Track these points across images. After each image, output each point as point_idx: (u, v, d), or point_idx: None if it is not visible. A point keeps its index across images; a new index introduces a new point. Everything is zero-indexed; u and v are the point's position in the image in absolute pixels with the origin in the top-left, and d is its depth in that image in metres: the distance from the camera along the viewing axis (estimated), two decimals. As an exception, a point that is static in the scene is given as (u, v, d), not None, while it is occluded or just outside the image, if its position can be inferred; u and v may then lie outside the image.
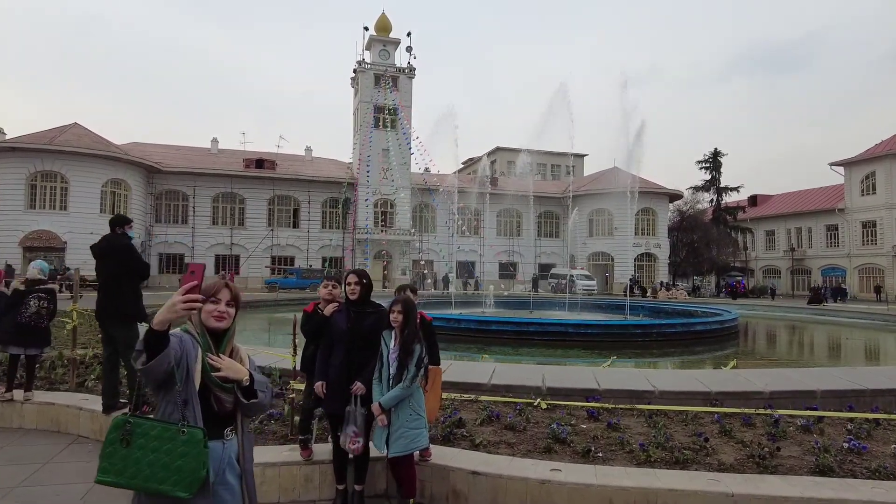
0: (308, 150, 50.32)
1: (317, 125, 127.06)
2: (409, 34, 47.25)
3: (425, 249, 46.63)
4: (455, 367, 7.08)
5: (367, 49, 47.74)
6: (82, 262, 33.58)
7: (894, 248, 42.53)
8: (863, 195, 45.54)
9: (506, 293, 34.55)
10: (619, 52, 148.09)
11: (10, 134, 37.34)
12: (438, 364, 4.45)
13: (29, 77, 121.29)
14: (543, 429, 4.93)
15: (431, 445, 4.40)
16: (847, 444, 4.51)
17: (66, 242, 35.04)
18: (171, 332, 2.45)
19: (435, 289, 41.54)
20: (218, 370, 2.26)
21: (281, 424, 5.03)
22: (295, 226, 45.39)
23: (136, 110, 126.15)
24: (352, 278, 4.04)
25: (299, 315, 4.55)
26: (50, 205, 35.71)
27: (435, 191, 41.90)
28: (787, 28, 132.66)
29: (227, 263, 43.08)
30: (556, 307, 23.78)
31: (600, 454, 4.33)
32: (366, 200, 44.62)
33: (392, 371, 3.71)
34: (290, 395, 4.72)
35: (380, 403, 3.66)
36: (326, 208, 45.91)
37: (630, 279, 41.01)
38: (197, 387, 2.23)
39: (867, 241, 45.41)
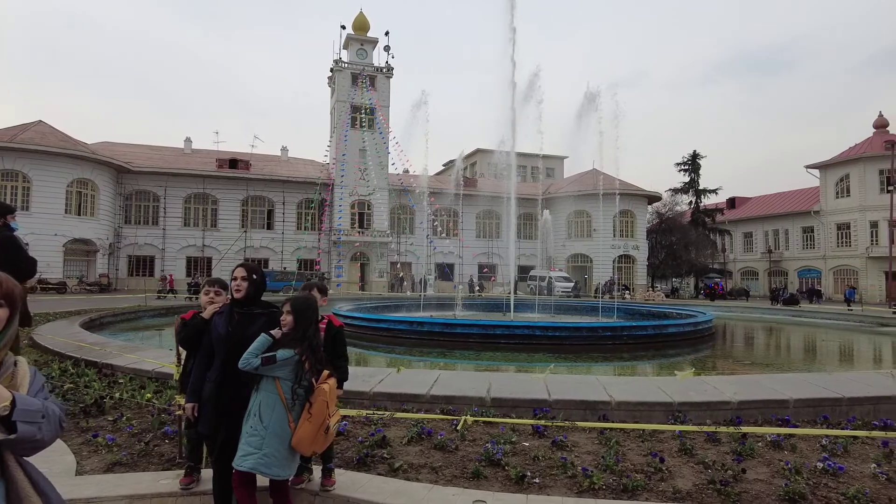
0: (284, 150, 49.37)
1: (297, 125, 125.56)
2: (387, 33, 46.59)
3: (403, 251, 45.94)
4: (393, 377, 6.37)
5: (344, 48, 47.01)
6: (45, 263, 32.64)
7: (867, 249, 42.84)
8: (837, 198, 45.86)
9: (482, 295, 34.00)
10: (609, 55, 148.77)
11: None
12: (343, 380, 3.69)
13: (9, 77, 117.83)
14: (478, 448, 4.29)
15: (340, 470, 3.74)
16: (822, 464, 3.94)
17: (27, 244, 33.59)
18: None
19: (412, 291, 40.81)
20: None
21: (174, 445, 4.33)
22: (269, 227, 44.36)
23: (118, 110, 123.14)
24: (239, 272, 3.37)
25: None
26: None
27: (412, 192, 41.21)
28: (768, 34, 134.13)
29: (199, 265, 41.94)
30: (532, 309, 23.23)
31: (537, 480, 3.70)
32: (340, 201, 43.79)
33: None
34: (178, 413, 4.02)
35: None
36: (302, 209, 44.93)
37: (608, 281, 40.70)
38: None
39: (842, 242, 45.71)
